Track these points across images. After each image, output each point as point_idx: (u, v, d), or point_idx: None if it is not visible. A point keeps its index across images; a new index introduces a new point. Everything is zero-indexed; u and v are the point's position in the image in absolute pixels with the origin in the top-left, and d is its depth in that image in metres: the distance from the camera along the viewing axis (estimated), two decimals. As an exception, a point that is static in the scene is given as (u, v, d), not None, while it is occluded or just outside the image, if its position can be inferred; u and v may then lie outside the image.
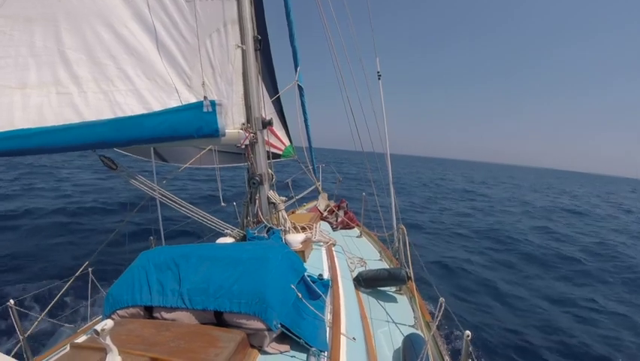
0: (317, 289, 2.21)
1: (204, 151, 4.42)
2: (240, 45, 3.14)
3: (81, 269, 3.12)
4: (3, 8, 2.48)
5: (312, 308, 1.99)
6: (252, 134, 3.15)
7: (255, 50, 3.24)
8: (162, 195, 3.14)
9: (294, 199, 6.02)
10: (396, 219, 3.75)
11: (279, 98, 6.36)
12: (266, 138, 6.23)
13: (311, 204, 6.19)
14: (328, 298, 2.31)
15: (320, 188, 6.62)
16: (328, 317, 2.12)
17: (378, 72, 4.56)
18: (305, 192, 6.03)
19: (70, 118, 2.80)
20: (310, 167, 6.84)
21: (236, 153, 4.99)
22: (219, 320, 1.86)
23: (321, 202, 6.18)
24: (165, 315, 1.92)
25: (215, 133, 2.92)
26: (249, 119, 3.20)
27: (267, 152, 6.36)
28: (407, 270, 3.04)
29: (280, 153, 6.57)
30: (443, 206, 19.25)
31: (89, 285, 3.14)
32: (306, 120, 6.60)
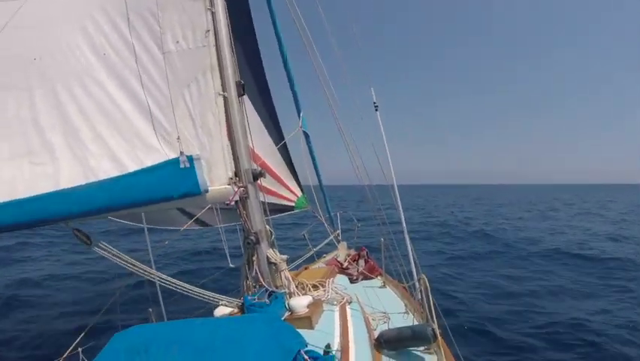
0: None
1: (204, 210, 4.08)
2: (221, 93, 2.87)
3: (69, 351, 2.77)
4: None
5: None
6: (241, 188, 2.78)
7: (239, 96, 2.97)
8: (160, 278, 2.77)
9: (311, 252, 5.56)
10: (416, 268, 3.20)
11: (285, 147, 6.09)
12: (275, 190, 5.92)
13: (330, 256, 5.68)
14: None
15: (339, 237, 6.15)
16: None
17: (374, 103, 4.22)
18: (322, 245, 5.56)
19: (44, 189, 2.55)
20: (326, 216, 6.41)
21: None
22: None
23: (341, 252, 5.66)
24: None
25: (195, 190, 2.58)
26: (237, 173, 2.84)
27: (279, 205, 6.04)
28: (433, 326, 2.49)
29: (292, 205, 6.21)
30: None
31: None
32: (316, 168, 6.25)
